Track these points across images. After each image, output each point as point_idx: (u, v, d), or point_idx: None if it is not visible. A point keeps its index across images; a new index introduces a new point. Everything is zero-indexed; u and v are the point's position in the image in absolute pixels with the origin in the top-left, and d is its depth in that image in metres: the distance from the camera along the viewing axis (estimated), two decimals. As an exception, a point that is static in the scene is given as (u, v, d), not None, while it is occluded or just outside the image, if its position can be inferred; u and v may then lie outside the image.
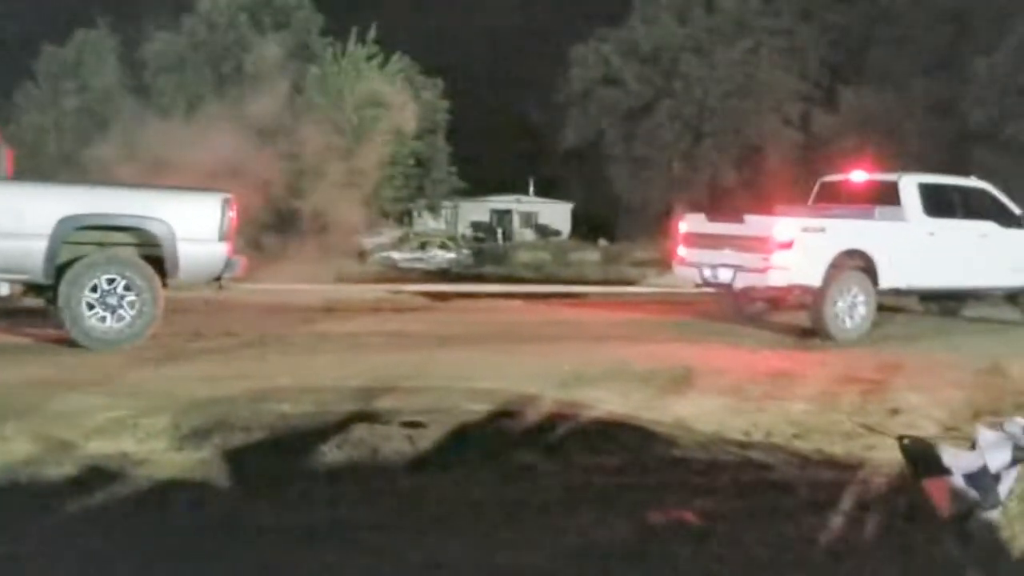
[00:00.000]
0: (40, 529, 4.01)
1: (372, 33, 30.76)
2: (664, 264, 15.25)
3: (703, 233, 11.35)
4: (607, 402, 6.52)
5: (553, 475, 4.98)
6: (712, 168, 35.42)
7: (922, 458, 4.16)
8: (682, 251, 11.62)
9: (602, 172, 37.48)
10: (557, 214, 47.55)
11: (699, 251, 11.28)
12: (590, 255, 33.85)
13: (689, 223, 11.72)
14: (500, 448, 5.44)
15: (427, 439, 5.51)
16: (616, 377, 7.42)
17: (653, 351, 9.01)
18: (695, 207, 16.59)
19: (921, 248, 11.16)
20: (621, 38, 36.75)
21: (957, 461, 4.01)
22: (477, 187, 42.12)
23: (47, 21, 31.30)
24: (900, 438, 4.58)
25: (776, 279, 10.33)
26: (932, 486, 4.02)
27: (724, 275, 10.80)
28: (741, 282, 10.68)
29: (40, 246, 7.78)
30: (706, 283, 11.33)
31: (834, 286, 10.51)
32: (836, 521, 4.20)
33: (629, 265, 27.50)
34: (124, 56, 31.76)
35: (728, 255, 10.74)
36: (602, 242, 37.18)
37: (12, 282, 7.91)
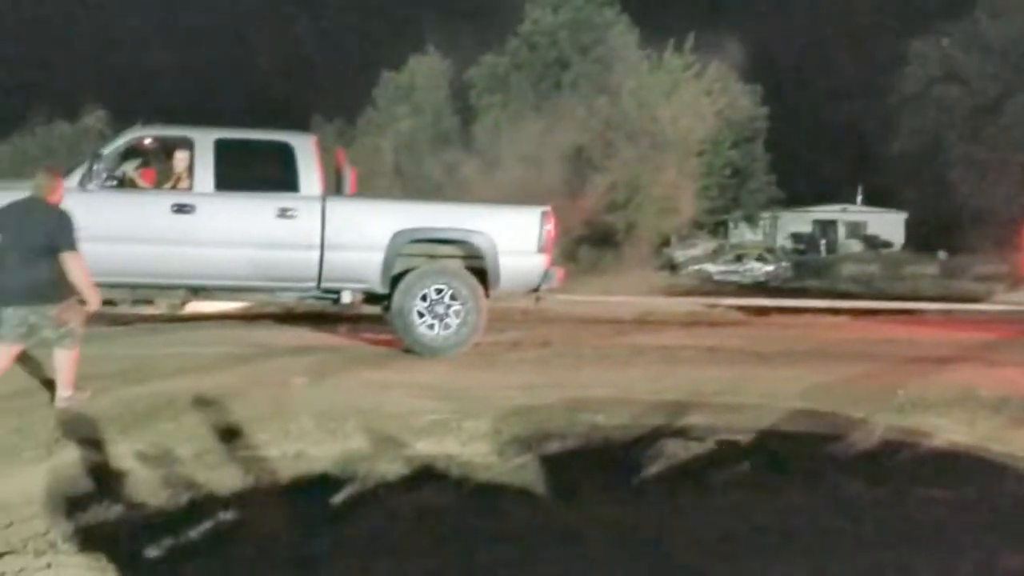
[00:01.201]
0: (375, 524, 4.24)
1: (689, 43, 30.56)
2: (1016, 279, 13.62)
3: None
4: (949, 431, 5.94)
5: (882, 506, 4.59)
6: (1075, 170, 31.33)
7: None
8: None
9: (940, 178, 34.45)
10: (888, 224, 44.36)
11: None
12: (927, 268, 31.48)
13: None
14: (823, 473, 5.10)
15: (744, 458, 5.26)
16: (959, 403, 6.66)
17: (1004, 376, 7.99)
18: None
19: None
20: (964, 31, 33.61)
21: None
22: (798, 196, 40.49)
23: (387, 49, 34.26)
24: None
25: None
26: None
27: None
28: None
29: (378, 257, 8.37)
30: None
31: None
32: None
33: (973, 280, 25.17)
34: (453, 79, 34.01)
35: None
36: (941, 254, 34.27)
37: (354, 291, 8.58)
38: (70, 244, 6.12)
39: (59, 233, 6.13)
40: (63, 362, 6.11)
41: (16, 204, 6.28)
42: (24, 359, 7.39)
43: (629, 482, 4.92)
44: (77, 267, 6.14)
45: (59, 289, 6.14)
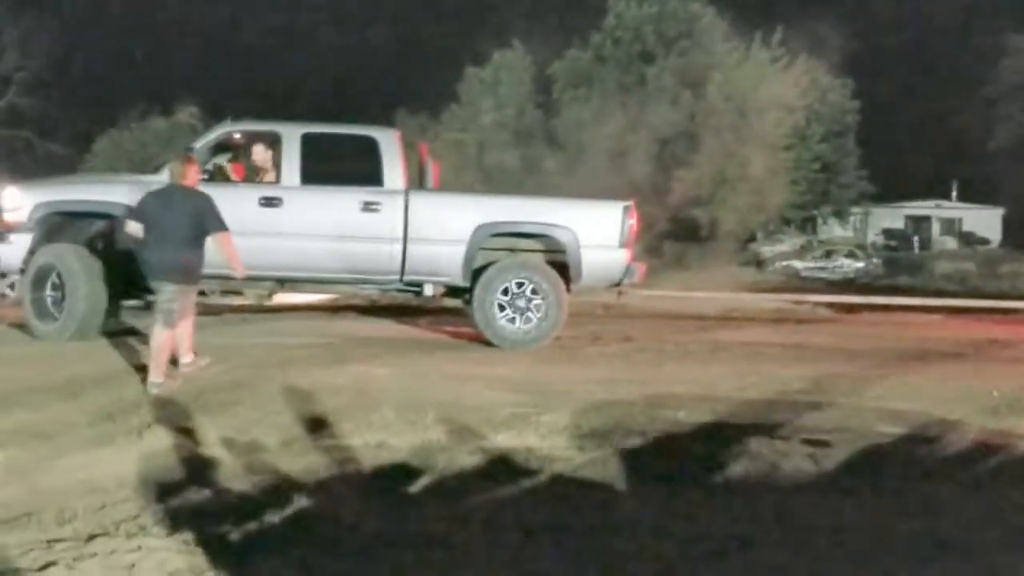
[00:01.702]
0: (452, 513, 4.26)
1: (777, 35, 29.95)
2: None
3: None
4: (1047, 434, 5.65)
5: (975, 511, 4.41)
6: None
7: None
8: None
9: (1041, 172, 33.09)
10: (984, 220, 42.80)
11: None
12: (1026, 266, 30.25)
13: None
14: (914, 476, 4.94)
15: (831, 459, 5.16)
16: (1059, 406, 6.37)
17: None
18: None
19: None
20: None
21: None
22: (890, 192, 39.37)
23: (471, 44, 34.40)
24: None
25: None
26: None
27: None
28: None
29: (459, 251, 8.42)
30: None
31: None
32: None
33: (1074, 278, 24.12)
34: (536, 74, 33.97)
35: None
36: (1040, 252, 32.93)
37: (435, 283, 8.65)
38: (220, 224, 6.48)
39: (206, 216, 6.46)
40: (156, 345, 6.30)
41: (155, 193, 6.58)
42: (116, 345, 7.67)
43: (710, 481, 4.84)
44: (228, 244, 6.59)
45: (191, 274, 6.50)
